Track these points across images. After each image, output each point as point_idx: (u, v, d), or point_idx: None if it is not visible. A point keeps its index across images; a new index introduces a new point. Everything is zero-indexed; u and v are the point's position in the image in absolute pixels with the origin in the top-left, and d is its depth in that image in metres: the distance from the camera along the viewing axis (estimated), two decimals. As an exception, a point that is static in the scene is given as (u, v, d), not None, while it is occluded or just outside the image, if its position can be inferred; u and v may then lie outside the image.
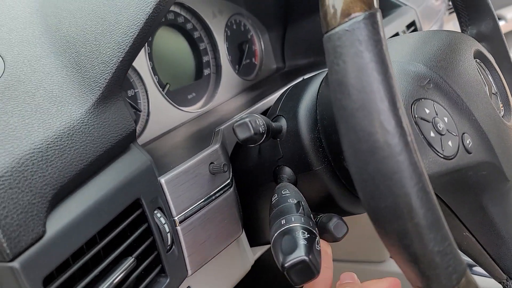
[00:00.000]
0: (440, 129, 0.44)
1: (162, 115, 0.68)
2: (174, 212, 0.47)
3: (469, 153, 0.46)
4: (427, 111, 0.44)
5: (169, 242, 0.46)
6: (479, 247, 0.54)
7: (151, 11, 0.43)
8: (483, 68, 0.57)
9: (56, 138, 0.37)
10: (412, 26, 1.13)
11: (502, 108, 0.57)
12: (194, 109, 0.74)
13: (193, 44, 0.78)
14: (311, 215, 0.49)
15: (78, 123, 0.39)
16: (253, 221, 0.65)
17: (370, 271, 1.08)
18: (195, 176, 0.49)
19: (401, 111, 0.34)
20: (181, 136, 0.64)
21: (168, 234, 0.46)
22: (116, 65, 0.42)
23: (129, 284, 0.43)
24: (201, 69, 0.79)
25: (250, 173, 0.60)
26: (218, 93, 0.79)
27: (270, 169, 0.55)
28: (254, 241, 0.67)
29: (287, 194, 0.49)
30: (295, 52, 0.93)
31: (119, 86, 0.43)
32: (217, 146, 0.53)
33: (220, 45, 0.81)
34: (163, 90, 0.70)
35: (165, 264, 0.45)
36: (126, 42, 0.42)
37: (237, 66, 0.85)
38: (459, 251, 0.37)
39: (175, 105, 0.71)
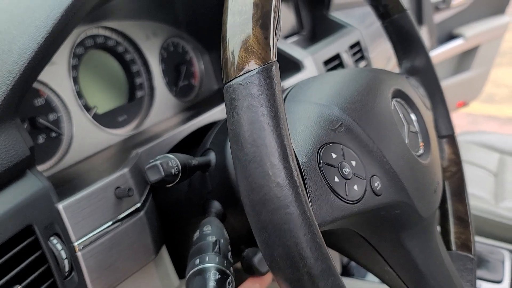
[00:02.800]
0: (346, 173, 0.44)
1: (88, 138, 0.68)
2: (73, 238, 0.47)
3: (377, 195, 0.46)
4: (334, 156, 0.44)
5: (67, 269, 0.46)
6: (400, 281, 0.55)
7: (42, 41, 0.44)
8: (404, 107, 0.57)
9: None
10: (356, 46, 1.16)
11: (422, 147, 0.57)
12: (125, 132, 0.75)
13: (126, 66, 0.78)
14: (229, 253, 0.49)
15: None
16: (182, 252, 0.65)
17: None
18: (99, 201, 0.49)
19: (292, 164, 0.35)
20: (104, 158, 0.64)
21: (66, 261, 0.46)
22: (5, 93, 0.42)
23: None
24: (134, 91, 0.79)
25: (178, 205, 0.60)
26: (151, 115, 0.79)
27: (199, 202, 0.56)
28: (182, 270, 0.67)
29: (207, 232, 0.50)
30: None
31: (12, 112, 0.43)
32: (125, 170, 0.53)
33: (154, 67, 0.81)
34: (89, 113, 0.70)
35: (62, 291, 0.45)
36: (16, 71, 0.43)
37: (174, 88, 0.86)
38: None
39: (103, 127, 0.71)
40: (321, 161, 0.42)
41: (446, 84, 2.28)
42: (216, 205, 0.54)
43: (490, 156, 1.57)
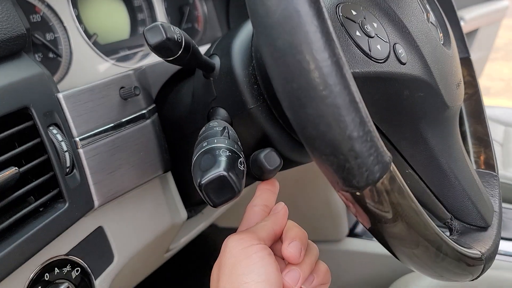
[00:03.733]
0: (368, 30, 0.41)
1: (88, 65, 0.64)
2: (75, 132, 0.42)
3: (402, 63, 0.43)
4: (354, 12, 0.41)
5: (68, 164, 0.41)
6: (422, 185, 0.51)
7: None
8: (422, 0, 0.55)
9: None
10: None
11: (442, 38, 0.55)
12: (126, 65, 0.70)
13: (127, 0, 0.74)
14: (239, 142, 0.45)
15: None
16: (186, 176, 0.60)
17: (326, 250, 1.05)
18: (102, 97, 0.45)
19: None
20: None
21: (66, 154, 0.41)
22: None
23: (21, 204, 0.38)
24: (136, 27, 0.75)
25: (182, 120, 0.56)
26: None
27: (204, 112, 0.52)
28: (188, 200, 0.63)
29: (214, 124, 0.46)
30: (241, 19, 0.90)
31: None
32: (130, 72, 0.49)
33: (156, 3, 0.77)
34: (90, 40, 0.65)
35: (62, 187, 0.41)
36: None
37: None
38: (382, 144, 0.34)
39: (103, 56, 0.66)
40: (341, 14, 0.38)
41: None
42: (222, 113, 0.49)
43: (496, 127, 1.55)
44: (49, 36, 0.60)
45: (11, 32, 0.39)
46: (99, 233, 0.47)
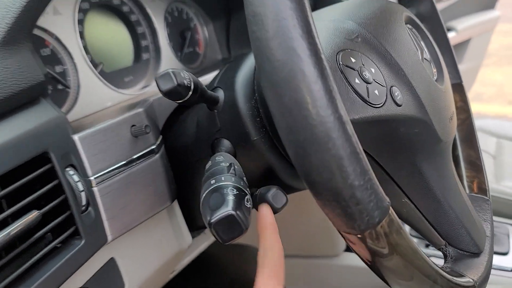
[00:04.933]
0: (366, 77, 0.43)
1: (95, 93, 0.66)
2: (89, 172, 0.45)
3: (398, 105, 0.46)
4: (353, 60, 0.44)
5: (84, 202, 0.44)
6: (418, 213, 0.54)
7: None
8: (415, 35, 0.57)
9: None
10: None
11: (435, 73, 0.57)
12: (132, 92, 0.72)
13: (131, 27, 0.77)
14: (244, 178, 0.47)
15: (-26, 65, 0.37)
16: (191, 202, 0.63)
17: (323, 265, 1.07)
18: (114, 136, 0.47)
19: (316, 39, 0.33)
20: (112, 115, 0.62)
21: (82, 193, 0.43)
22: (20, 9, 0.40)
23: (39, 241, 0.40)
24: (140, 53, 0.77)
25: (186, 149, 0.58)
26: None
27: (208, 142, 0.54)
28: (193, 224, 0.65)
29: (220, 159, 0.48)
30: (241, 41, 0.92)
31: (25, 34, 0.41)
32: (140, 110, 0.51)
33: (159, 30, 0.80)
34: (96, 69, 0.68)
35: (79, 225, 0.43)
36: (32, -12, 0.41)
37: (179, 53, 0.84)
38: (381, 190, 0.36)
39: (110, 85, 0.69)
40: (341, 63, 0.41)
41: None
42: (226, 144, 0.52)
43: (488, 140, 1.58)
44: (58, 69, 0.62)
45: (32, 81, 0.41)
46: (111, 264, 0.49)
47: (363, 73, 0.42)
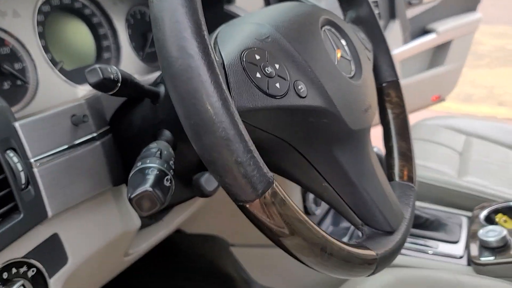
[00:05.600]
0: (268, 72, 0.49)
1: (53, 89, 0.72)
2: (29, 154, 0.51)
3: (301, 97, 0.52)
4: (257, 57, 0.49)
5: (23, 181, 0.50)
6: (337, 196, 0.59)
7: None
8: (335, 35, 0.63)
9: None
10: None
11: (353, 70, 0.63)
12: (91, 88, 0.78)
13: (93, 29, 0.83)
14: (171, 162, 0.53)
15: None
16: None
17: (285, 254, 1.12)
18: (55, 125, 0.53)
19: (205, 36, 0.39)
20: None
21: (22, 173, 0.49)
22: None
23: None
24: (101, 53, 0.83)
25: (133, 139, 0.64)
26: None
27: (151, 133, 0.60)
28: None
29: (153, 146, 0.54)
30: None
31: None
32: (82, 101, 0.57)
33: (121, 31, 0.86)
34: (56, 67, 0.74)
35: (18, 201, 0.49)
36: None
37: (141, 53, 0.90)
38: (266, 166, 0.42)
39: (68, 81, 0.75)
40: (244, 60, 0.47)
41: (421, 78, 2.35)
42: (166, 134, 0.58)
43: (456, 137, 1.63)
44: (17, 66, 0.68)
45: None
46: (55, 238, 0.55)
47: (265, 68, 0.48)
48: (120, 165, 0.64)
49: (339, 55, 0.60)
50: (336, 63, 0.57)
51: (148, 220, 0.84)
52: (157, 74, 0.87)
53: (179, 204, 0.80)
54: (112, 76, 0.49)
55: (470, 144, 1.59)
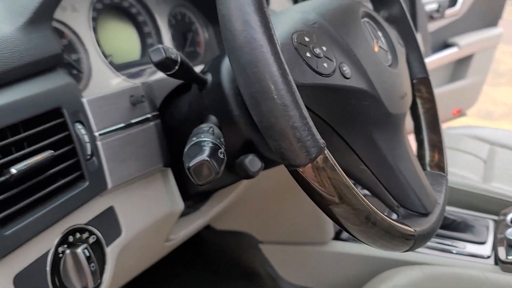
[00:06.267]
0: (317, 53, 0.53)
1: (104, 79, 0.77)
2: (94, 128, 0.55)
3: (346, 77, 0.55)
4: (307, 39, 0.53)
5: (89, 152, 0.54)
6: (374, 178, 0.63)
7: None
8: (372, 27, 0.67)
9: (-14, 42, 0.46)
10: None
11: (390, 60, 0.67)
12: (136, 81, 0.83)
13: (139, 27, 0.88)
14: (222, 138, 0.57)
15: (6, 36, 0.48)
16: (184, 172, 0.73)
17: (313, 252, 1.15)
18: (116, 103, 0.58)
19: (266, 12, 0.44)
20: None
21: (88, 144, 0.54)
22: None
23: (51, 183, 0.50)
24: (146, 50, 0.88)
25: (180, 125, 0.68)
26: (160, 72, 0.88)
27: (198, 118, 0.64)
28: (185, 193, 0.75)
29: (203, 125, 0.58)
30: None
31: (47, 16, 0.53)
32: (139, 84, 0.62)
33: (163, 30, 0.91)
34: (106, 59, 0.79)
35: (84, 170, 0.53)
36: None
37: (181, 52, 0.95)
38: (318, 133, 0.46)
39: (117, 73, 0.80)
40: (295, 40, 0.51)
41: (442, 91, 2.37)
42: (212, 119, 0.62)
43: (481, 146, 1.65)
44: (74, 57, 0.74)
45: (50, 52, 0.52)
46: (111, 211, 0.59)
47: (314, 49, 0.52)
48: (166, 146, 0.68)
49: (377, 44, 0.63)
50: (375, 50, 0.61)
51: (187, 209, 0.88)
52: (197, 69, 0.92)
53: (222, 188, 0.84)
54: (173, 57, 0.54)
55: (494, 152, 1.60)
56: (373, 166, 0.62)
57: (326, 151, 0.46)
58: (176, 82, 0.73)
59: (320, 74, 0.52)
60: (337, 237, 1.17)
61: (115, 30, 0.84)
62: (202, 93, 0.64)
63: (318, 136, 0.45)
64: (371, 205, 0.50)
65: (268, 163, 0.66)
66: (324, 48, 0.54)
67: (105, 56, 0.79)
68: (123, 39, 0.85)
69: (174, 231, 0.83)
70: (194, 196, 0.77)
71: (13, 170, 0.44)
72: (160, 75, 0.88)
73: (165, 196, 0.68)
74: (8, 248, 0.44)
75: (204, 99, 0.64)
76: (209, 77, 0.64)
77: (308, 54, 0.52)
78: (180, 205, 0.72)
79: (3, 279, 0.45)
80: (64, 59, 0.71)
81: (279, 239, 1.18)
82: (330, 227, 1.15)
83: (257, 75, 0.43)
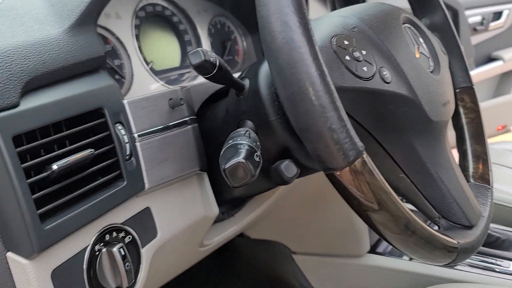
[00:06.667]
0: (356, 56, 0.52)
1: (145, 85, 0.79)
2: (134, 129, 0.56)
3: (386, 82, 0.54)
4: (346, 42, 0.53)
5: (128, 152, 0.55)
6: (413, 188, 0.61)
7: None
8: (414, 33, 0.66)
9: (34, 43, 0.48)
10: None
11: (432, 66, 0.65)
12: (175, 87, 0.85)
13: (179, 35, 0.90)
14: (258, 143, 0.57)
15: (54, 37, 0.50)
16: (219, 177, 0.73)
17: (348, 265, 1.12)
18: (155, 105, 0.59)
19: (305, 14, 0.44)
20: None
21: (127, 145, 0.55)
22: (89, 1, 0.53)
23: (91, 177, 0.52)
24: (186, 57, 0.90)
25: (216, 130, 0.69)
26: (199, 78, 0.90)
27: (234, 123, 0.64)
28: (220, 198, 0.75)
29: (240, 129, 0.58)
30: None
31: (92, 19, 0.54)
32: (177, 87, 0.63)
33: (203, 39, 0.93)
34: (147, 66, 0.81)
35: (123, 169, 0.54)
36: (99, -15, 0.54)
37: (219, 60, 0.96)
38: (356, 135, 0.45)
39: (157, 79, 0.81)
40: (334, 43, 0.50)
41: (486, 106, 2.29)
42: (249, 124, 0.62)
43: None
44: (116, 62, 0.76)
45: (95, 54, 0.54)
46: (147, 212, 0.60)
47: (354, 53, 0.52)
48: (203, 150, 0.68)
49: (418, 51, 0.62)
50: (416, 56, 0.60)
51: (221, 215, 0.88)
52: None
53: (257, 194, 0.83)
54: (211, 60, 0.54)
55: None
56: (413, 175, 0.60)
57: (365, 155, 0.45)
58: (213, 87, 0.74)
59: (360, 77, 0.51)
60: (373, 250, 1.14)
61: (157, 38, 0.86)
62: (239, 98, 0.64)
63: (357, 139, 0.44)
64: (411, 213, 0.49)
65: (303, 170, 0.65)
66: (364, 52, 0.53)
67: (146, 63, 0.81)
68: (164, 46, 0.87)
69: (208, 236, 0.83)
70: (229, 201, 0.77)
71: (55, 166, 0.46)
72: (198, 81, 0.89)
73: (201, 200, 0.69)
74: (48, 243, 0.45)
75: (241, 104, 0.64)
76: (246, 82, 0.64)
77: (347, 58, 0.51)
78: (215, 209, 0.72)
79: (42, 272, 0.46)
80: (107, 64, 0.73)
81: (313, 250, 1.16)
82: (366, 239, 1.13)
83: (295, 76, 0.43)
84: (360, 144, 0.44)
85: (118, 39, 0.77)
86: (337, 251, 1.14)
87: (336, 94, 0.43)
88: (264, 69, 0.63)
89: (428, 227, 0.50)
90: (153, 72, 0.81)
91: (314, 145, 0.44)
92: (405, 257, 1.10)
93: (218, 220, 0.88)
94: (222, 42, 0.98)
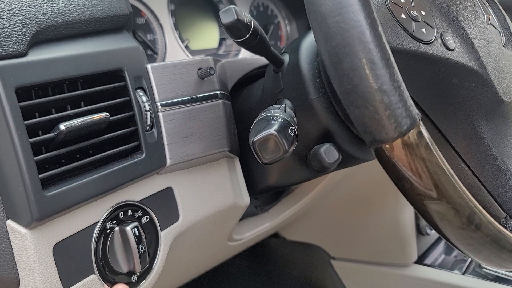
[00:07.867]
0: (414, 15, 0.45)
1: (178, 64, 0.74)
2: (157, 97, 0.51)
3: (449, 49, 0.46)
4: (402, 0, 0.45)
5: (149, 122, 0.49)
6: (476, 181, 0.52)
7: None
8: (483, 3, 0.57)
9: (49, -10, 0.43)
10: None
11: (503, 40, 0.56)
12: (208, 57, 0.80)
13: (218, 15, 0.85)
14: (294, 118, 0.50)
15: (73, -13, 0.45)
16: (252, 164, 0.66)
17: (391, 275, 1.03)
18: (183, 73, 0.53)
19: None
20: None
21: (148, 113, 0.49)
22: None
23: (105, 146, 0.46)
24: (224, 39, 0.84)
25: (252, 110, 0.62)
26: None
27: (271, 102, 0.58)
28: (252, 188, 0.68)
29: (276, 104, 0.52)
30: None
31: None
32: (209, 57, 0.57)
33: (244, 20, 0.87)
34: (182, 44, 0.76)
35: (142, 140, 0.49)
36: None
37: (260, 45, 0.90)
38: (411, 100, 0.37)
39: (192, 58, 0.76)
40: (388, 0, 0.43)
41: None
42: (287, 103, 0.55)
43: None
44: (149, 37, 0.71)
45: (117, 11, 0.49)
46: (169, 192, 0.54)
47: (411, 11, 0.44)
48: (234, 131, 0.62)
49: (489, 20, 0.53)
50: (488, 26, 0.51)
51: (254, 209, 0.82)
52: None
53: (294, 185, 0.76)
54: (245, 20, 0.48)
55: None
56: (476, 166, 0.51)
57: (421, 125, 0.37)
58: (250, 65, 0.68)
59: (418, 39, 0.43)
60: (420, 260, 1.04)
61: (194, 16, 0.81)
62: (277, 74, 0.57)
63: (412, 105, 0.36)
64: (476, 202, 0.40)
65: (346, 159, 0.57)
66: (423, 13, 0.45)
67: (182, 40, 0.76)
68: (202, 26, 0.82)
69: (238, 231, 0.76)
70: (262, 191, 0.70)
71: (62, 126, 0.41)
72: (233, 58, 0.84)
73: (230, 186, 0.62)
74: (49, 211, 0.40)
75: (279, 82, 0.57)
76: (286, 57, 0.57)
77: (403, 16, 0.43)
78: (246, 198, 0.65)
79: (42, 245, 0.41)
80: (139, 37, 0.69)
81: (354, 257, 1.07)
82: (413, 248, 1.03)
83: (339, 24, 0.35)
84: (415, 111, 0.36)
85: (152, 12, 0.72)
86: (380, 259, 1.05)
87: (389, 49, 0.36)
88: (307, 42, 0.56)
89: (496, 223, 0.41)
90: (188, 51, 0.76)
91: (359, 110, 0.36)
92: (457, 271, 0.99)
93: (250, 214, 0.81)
94: (264, 26, 0.92)
